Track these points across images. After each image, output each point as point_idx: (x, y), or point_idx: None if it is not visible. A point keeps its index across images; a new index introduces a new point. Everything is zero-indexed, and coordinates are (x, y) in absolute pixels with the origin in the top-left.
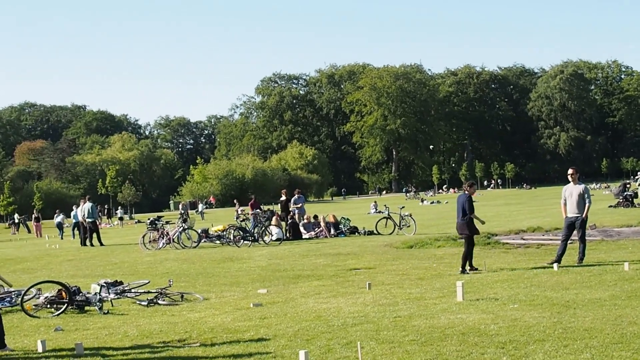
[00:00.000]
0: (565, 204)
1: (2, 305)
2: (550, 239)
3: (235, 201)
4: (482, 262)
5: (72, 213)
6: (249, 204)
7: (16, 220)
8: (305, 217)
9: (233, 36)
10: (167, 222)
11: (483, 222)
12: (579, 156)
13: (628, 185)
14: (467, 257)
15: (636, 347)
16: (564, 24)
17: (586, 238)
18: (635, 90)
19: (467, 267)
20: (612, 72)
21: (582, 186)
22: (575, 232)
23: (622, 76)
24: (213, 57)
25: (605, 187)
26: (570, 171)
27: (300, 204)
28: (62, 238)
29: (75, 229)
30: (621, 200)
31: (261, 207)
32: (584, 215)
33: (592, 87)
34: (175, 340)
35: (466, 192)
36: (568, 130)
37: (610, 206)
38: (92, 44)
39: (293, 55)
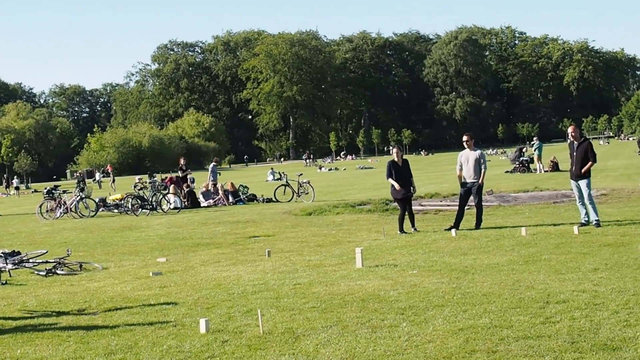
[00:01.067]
0: (461, 170)
1: None
2: (448, 205)
3: (109, 169)
4: (381, 228)
5: None
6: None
7: None
8: (203, 185)
9: (127, 1)
10: (64, 192)
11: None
12: (475, 122)
13: (524, 151)
14: (400, 219)
15: (534, 311)
16: None
17: (483, 204)
18: (530, 56)
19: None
20: (506, 38)
21: (478, 152)
22: (472, 197)
23: (517, 42)
24: (108, 23)
25: (502, 153)
26: (465, 137)
27: (217, 174)
28: None
29: None
30: (517, 166)
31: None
32: (480, 181)
33: (487, 53)
34: (75, 310)
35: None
36: (464, 96)
37: (507, 171)
38: None
39: (189, 22)
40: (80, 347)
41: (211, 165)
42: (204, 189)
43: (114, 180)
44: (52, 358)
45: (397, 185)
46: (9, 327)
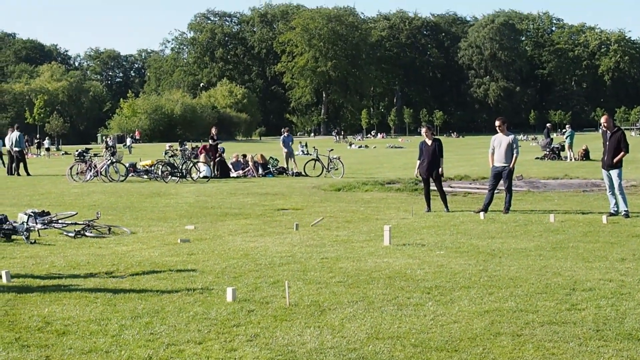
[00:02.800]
0: (493, 154)
1: None
2: (477, 188)
3: (137, 134)
4: (410, 207)
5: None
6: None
7: None
8: (234, 155)
9: None
10: (95, 155)
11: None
12: (508, 106)
13: (549, 130)
14: (425, 197)
15: (560, 298)
16: None
17: (513, 188)
18: (566, 43)
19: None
20: (543, 24)
21: (512, 136)
22: (502, 181)
23: (553, 28)
24: None
25: (533, 139)
26: (497, 122)
27: (290, 143)
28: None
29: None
30: (548, 153)
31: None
32: (511, 165)
33: (523, 38)
34: (103, 272)
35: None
36: (497, 80)
37: (537, 158)
38: None
39: None
40: (107, 309)
41: (283, 136)
42: (234, 159)
43: (56, 148)
44: (79, 318)
45: (416, 167)
46: (37, 286)
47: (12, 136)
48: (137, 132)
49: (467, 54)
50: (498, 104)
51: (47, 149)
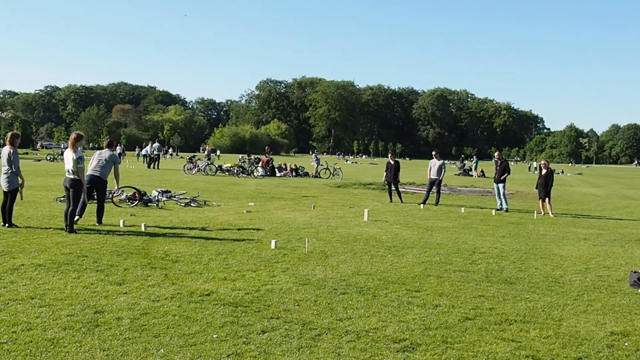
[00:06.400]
0: (430, 171)
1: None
2: (420, 190)
3: (208, 147)
4: (379, 199)
5: (139, 149)
6: (264, 157)
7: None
8: (280, 163)
9: (247, 55)
10: (198, 159)
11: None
12: (440, 144)
13: (463, 158)
14: (389, 194)
15: (465, 256)
16: (439, 64)
17: (440, 191)
18: (476, 109)
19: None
20: (462, 96)
21: (442, 161)
22: (434, 187)
23: (469, 99)
24: (235, 64)
25: (453, 164)
26: (433, 152)
27: (317, 159)
28: (143, 162)
29: (144, 157)
30: (462, 172)
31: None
32: (440, 178)
33: (450, 104)
34: (200, 227)
35: (392, 160)
36: (435, 128)
37: (456, 174)
38: (165, 45)
39: (280, 68)
40: (202, 248)
41: (314, 154)
42: (279, 165)
43: (176, 154)
44: (185, 253)
45: (383, 176)
46: (161, 233)
47: (155, 145)
48: (207, 146)
49: (417, 112)
50: (435, 141)
51: (171, 155)
